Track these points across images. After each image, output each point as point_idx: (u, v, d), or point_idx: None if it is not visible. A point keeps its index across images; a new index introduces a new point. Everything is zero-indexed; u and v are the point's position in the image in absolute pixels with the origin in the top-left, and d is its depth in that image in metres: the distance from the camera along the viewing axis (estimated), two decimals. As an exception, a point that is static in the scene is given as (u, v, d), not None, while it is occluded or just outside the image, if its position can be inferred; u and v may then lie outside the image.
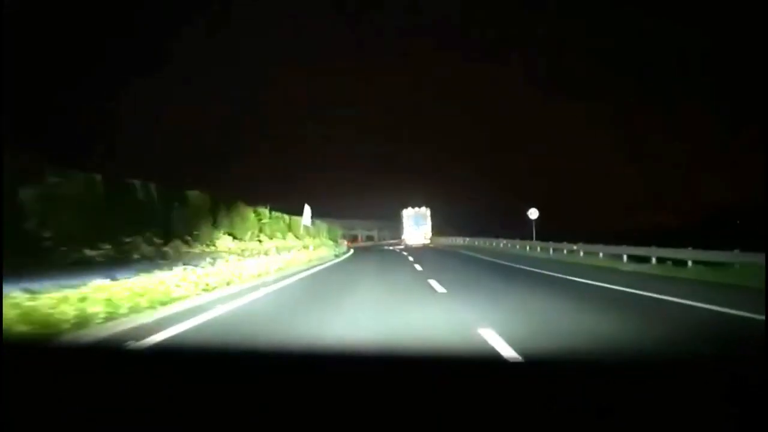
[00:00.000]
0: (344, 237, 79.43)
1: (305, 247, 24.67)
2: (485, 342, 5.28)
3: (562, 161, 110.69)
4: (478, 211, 76.62)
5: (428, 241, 57.13)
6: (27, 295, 5.87)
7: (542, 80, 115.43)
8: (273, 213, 25.89)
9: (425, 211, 60.70)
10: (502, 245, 37.59)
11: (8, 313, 5.09)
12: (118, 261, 11.69)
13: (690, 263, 16.60)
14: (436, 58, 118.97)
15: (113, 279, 7.59)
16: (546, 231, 33.50)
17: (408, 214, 60.92)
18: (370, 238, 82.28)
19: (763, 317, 6.35)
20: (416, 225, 58.96)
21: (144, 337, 5.56)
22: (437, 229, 62.36)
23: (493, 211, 72.81)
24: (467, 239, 50.18)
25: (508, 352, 4.79)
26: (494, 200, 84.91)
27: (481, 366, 2.13)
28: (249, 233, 23.22)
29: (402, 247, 49.41)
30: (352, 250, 42.19)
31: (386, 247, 47.94)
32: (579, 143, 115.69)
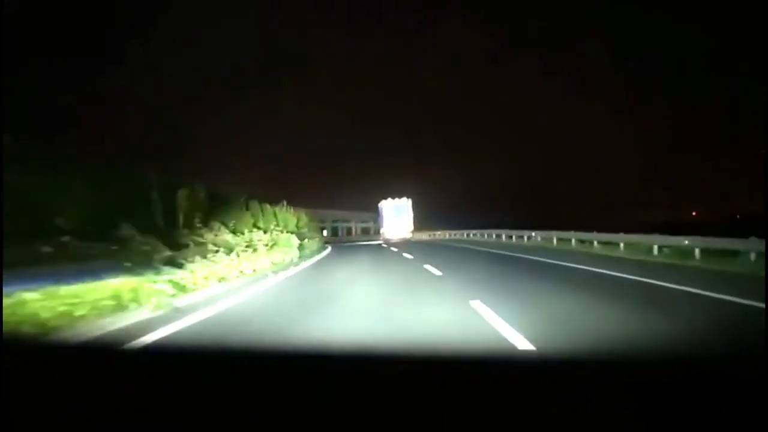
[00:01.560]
0: (324, 229, 70.64)
1: None
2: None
3: (560, 156, 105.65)
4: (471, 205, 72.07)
5: (410, 235, 52.29)
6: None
7: (544, 74, 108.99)
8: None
9: (406, 203, 55.45)
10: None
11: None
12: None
13: None
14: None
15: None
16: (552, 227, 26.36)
17: (387, 205, 55.91)
18: (365, 231, 77.00)
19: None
20: (397, 217, 54.40)
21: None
22: (417, 223, 57.38)
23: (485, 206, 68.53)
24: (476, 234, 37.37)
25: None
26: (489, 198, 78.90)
27: None
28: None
29: (381, 241, 45.63)
30: (329, 248, 29.23)
31: (374, 242, 40.20)
32: (579, 140, 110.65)
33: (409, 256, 19.13)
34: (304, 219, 25.14)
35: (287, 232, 18.67)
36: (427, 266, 13.77)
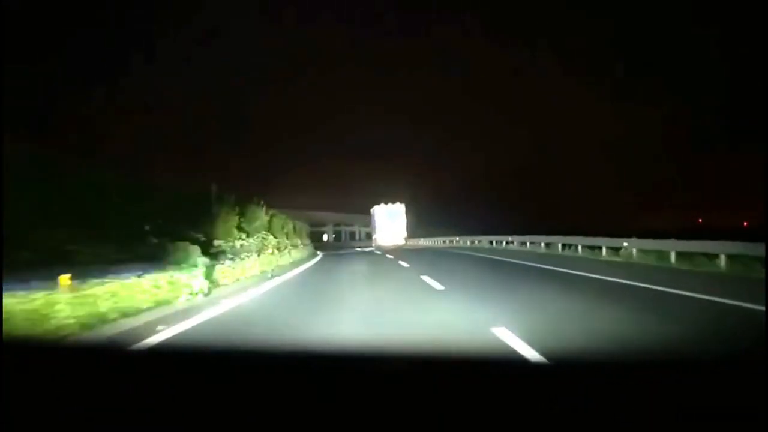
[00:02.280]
0: (324, 233, 70.02)
1: None
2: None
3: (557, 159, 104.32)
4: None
5: (403, 242, 48.81)
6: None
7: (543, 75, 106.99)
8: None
9: (400, 208, 52.41)
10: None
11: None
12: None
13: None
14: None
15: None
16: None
17: (380, 211, 52.61)
18: (369, 235, 68.53)
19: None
20: (390, 223, 51.22)
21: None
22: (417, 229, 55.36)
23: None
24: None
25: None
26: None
27: None
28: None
29: (374, 247, 42.77)
30: (310, 262, 20.29)
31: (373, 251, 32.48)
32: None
33: (437, 285, 9.88)
34: (261, 219, 15.34)
35: (211, 242, 9.44)
36: (503, 333, 4.71)
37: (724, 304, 7.16)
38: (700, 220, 61.41)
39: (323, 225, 78.47)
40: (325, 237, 77.45)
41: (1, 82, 11.77)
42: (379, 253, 30.63)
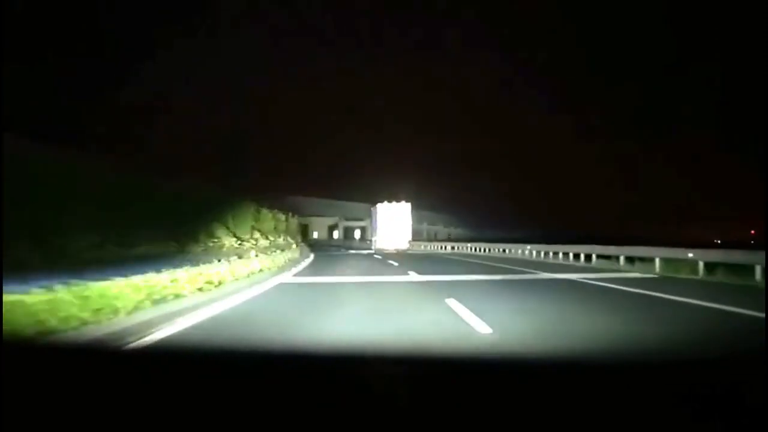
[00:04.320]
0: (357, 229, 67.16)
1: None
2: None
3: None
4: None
5: (407, 246, 44.56)
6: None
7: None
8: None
9: (404, 208, 47.35)
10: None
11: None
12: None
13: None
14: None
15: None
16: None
17: (382, 210, 47.46)
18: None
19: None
20: (392, 225, 46.73)
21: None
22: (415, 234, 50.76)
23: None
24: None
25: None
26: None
27: None
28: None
29: (373, 251, 39.42)
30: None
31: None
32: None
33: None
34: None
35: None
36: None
37: None
38: (753, 232, 57.37)
39: (360, 219, 74.88)
40: (357, 233, 74.35)
41: (2, 82, 11.64)
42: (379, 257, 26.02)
